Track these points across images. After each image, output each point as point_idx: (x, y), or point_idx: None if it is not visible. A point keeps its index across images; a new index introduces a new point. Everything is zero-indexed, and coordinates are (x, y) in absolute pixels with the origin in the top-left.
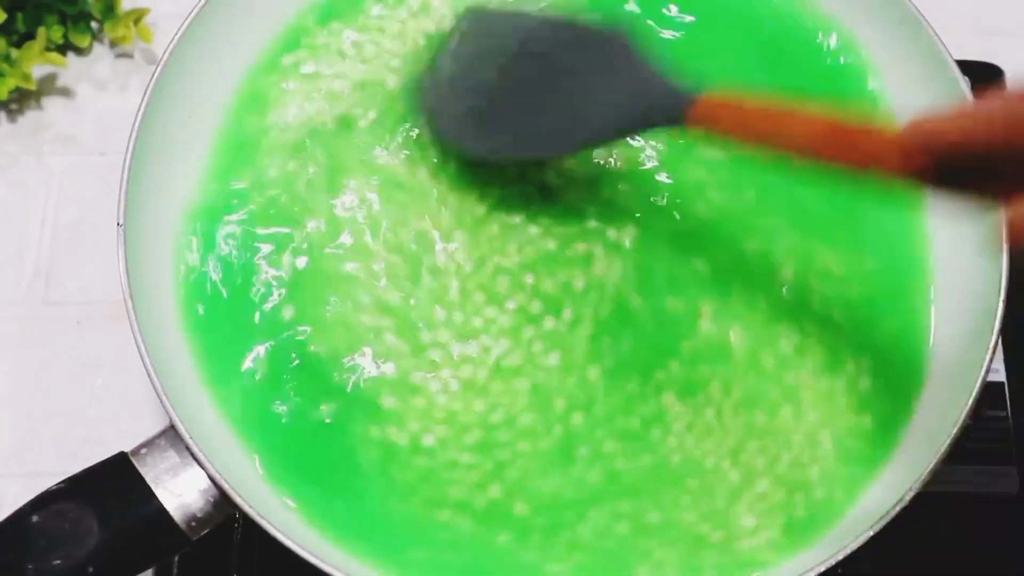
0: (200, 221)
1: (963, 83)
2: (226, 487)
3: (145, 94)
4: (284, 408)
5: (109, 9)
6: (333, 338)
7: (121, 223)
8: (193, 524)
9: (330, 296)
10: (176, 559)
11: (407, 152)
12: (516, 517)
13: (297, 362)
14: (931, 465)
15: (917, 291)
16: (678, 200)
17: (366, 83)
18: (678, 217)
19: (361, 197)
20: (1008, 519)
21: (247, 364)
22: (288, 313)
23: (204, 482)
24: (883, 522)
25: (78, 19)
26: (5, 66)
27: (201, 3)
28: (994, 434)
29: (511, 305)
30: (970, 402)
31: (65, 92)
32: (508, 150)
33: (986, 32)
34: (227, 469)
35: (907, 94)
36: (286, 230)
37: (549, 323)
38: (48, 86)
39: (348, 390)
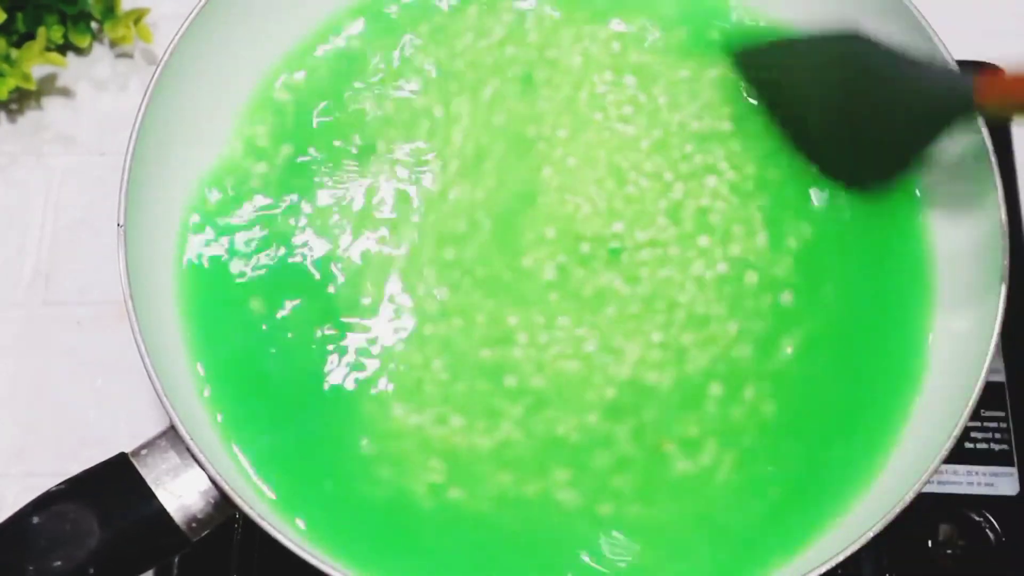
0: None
1: None
2: (226, 488)
3: (145, 94)
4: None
5: (109, 9)
6: None
7: (121, 223)
8: (193, 525)
9: None
10: (176, 560)
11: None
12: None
13: None
14: (931, 466)
15: (917, 292)
16: None
17: None
18: None
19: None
20: (1008, 520)
21: None
22: None
23: (204, 483)
24: (883, 522)
25: (78, 19)
26: (5, 66)
27: (201, 3)
28: (994, 435)
29: None
30: (970, 403)
31: (65, 92)
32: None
33: (986, 33)
34: (227, 470)
35: None
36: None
37: None
38: (48, 86)
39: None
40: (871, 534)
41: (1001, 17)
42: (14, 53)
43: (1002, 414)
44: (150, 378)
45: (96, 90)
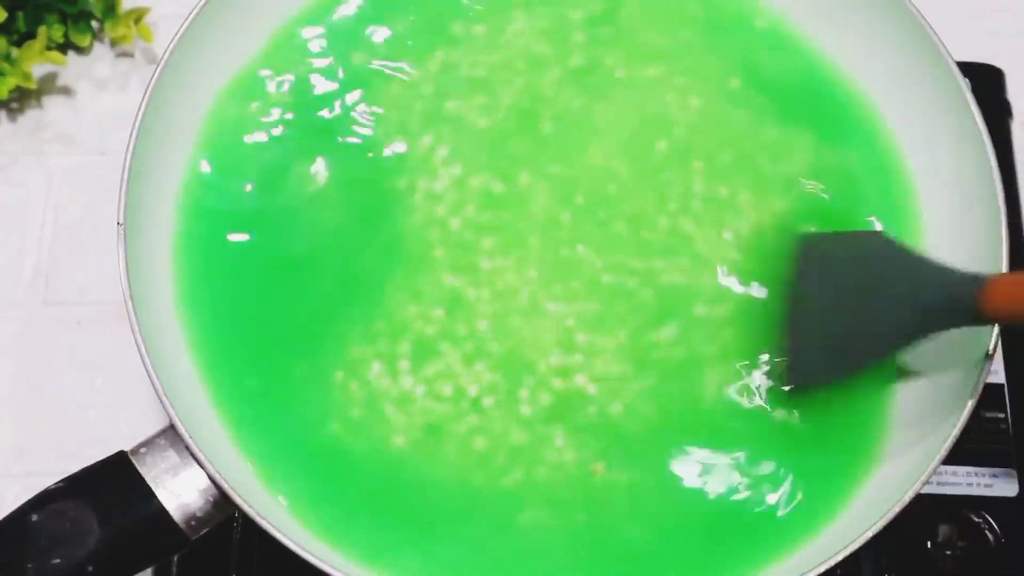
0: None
1: (964, 85)
2: (225, 487)
3: (145, 93)
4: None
5: (110, 8)
6: None
7: (121, 222)
8: (192, 523)
9: None
10: (175, 559)
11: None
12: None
13: None
14: (930, 467)
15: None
16: None
17: None
18: None
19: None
20: (1008, 521)
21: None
22: None
23: (204, 482)
24: (882, 523)
25: (78, 18)
26: (6, 65)
27: (202, 3)
28: (993, 436)
29: None
30: (970, 404)
31: (65, 91)
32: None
33: (987, 33)
34: (227, 469)
35: (908, 95)
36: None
37: None
38: (48, 85)
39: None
40: (870, 534)
41: (1002, 17)
42: (15, 52)
43: (1002, 415)
44: (150, 377)
45: (96, 89)
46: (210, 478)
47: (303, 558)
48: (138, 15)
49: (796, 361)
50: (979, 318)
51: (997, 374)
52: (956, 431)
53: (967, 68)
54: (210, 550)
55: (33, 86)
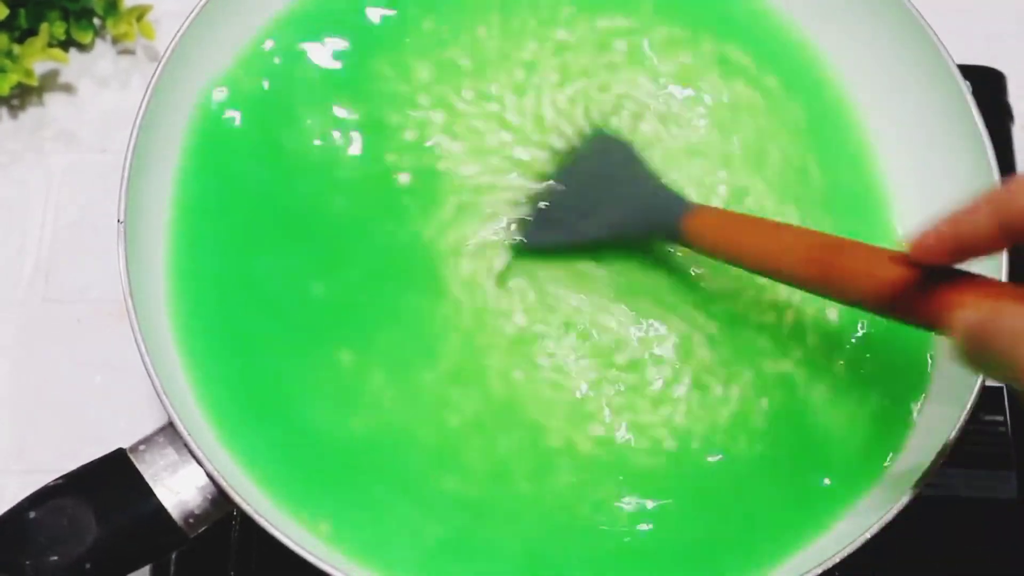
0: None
1: (964, 87)
2: (224, 485)
3: (147, 91)
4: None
5: (112, 6)
6: None
7: (122, 220)
8: (191, 521)
9: None
10: (174, 556)
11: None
12: None
13: None
14: (930, 468)
15: None
16: None
17: None
18: None
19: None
20: (1007, 523)
21: None
22: None
23: (202, 479)
24: (881, 524)
25: (80, 15)
26: (7, 62)
27: (203, 1)
28: (993, 438)
29: None
30: (969, 406)
31: (67, 88)
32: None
33: (987, 34)
34: (225, 467)
35: (908, 97)
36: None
37: None
38: (50, 82)
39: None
40: (869, 535)
41: (1001, 19)
42: (16, 49)
43: (1001, 418)
44: (149, 375)
45: (98, 87)
46: (209, 476)
47: (301, 556)
48: (140, 12)
49: (535, 222)
50: (682, 240)
51: None
52: (955, 433)
53: (967, 71)
54: (208, 548)
55: (34, 83)
